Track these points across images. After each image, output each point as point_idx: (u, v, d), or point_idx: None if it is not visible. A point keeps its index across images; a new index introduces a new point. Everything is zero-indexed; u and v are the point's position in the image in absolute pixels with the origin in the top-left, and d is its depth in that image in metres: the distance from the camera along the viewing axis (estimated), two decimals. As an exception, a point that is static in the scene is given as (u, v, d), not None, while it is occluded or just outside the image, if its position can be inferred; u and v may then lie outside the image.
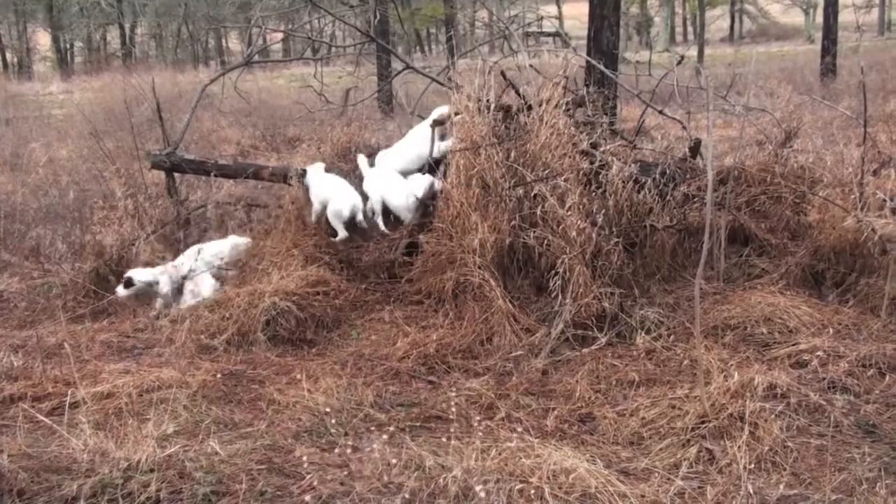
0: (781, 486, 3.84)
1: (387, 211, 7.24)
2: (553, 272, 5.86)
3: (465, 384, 5.12)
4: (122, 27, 50.27)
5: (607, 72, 8.39)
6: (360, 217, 7.17)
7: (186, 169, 8.52)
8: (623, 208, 6.45)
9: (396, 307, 6.33)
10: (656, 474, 4.05)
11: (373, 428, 4.54)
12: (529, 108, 6.70)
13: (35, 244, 8.09)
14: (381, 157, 7.77)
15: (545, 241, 6.02)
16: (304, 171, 7.49)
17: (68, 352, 5.25)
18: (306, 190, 7.38)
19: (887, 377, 4.96)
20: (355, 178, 7.66)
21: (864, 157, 6.83)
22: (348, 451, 4.23)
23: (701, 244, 4.91)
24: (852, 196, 6.42)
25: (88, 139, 10.30)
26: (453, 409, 4.51)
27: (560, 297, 5.79)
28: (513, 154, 6.38)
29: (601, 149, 6.70)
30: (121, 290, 6.65)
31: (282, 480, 3.99)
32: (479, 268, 5.97)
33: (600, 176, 6.49)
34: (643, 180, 6.57)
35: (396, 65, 13.59)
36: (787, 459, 4.14)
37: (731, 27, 53.61)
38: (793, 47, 37.10)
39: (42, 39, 53.54)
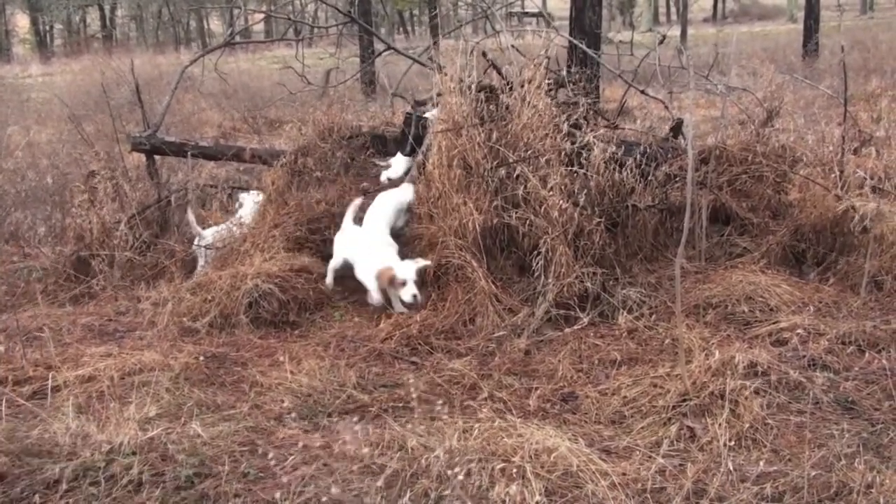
0: (761, 463, 3.87)
1: None
2: (535, 252, 5.87)
3: (448, 365, 5.13)
4: (101, 9, 49.87)
5: (589, 52, 8.40)
6: None
7: (167, 151, 8.48)
8: (605, 188, 6.45)
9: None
10: (638, 452, 4.07)
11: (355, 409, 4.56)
12: (511, 88, 6.69)
13: (14, 228, 8.03)
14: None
15: (527, 222, 6.02)
16: None
17: (48, 335, 5.22)
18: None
19: (866, 354, 5.00)
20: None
21: (845, 135, 6.86)
22: (331, 432, 4.25)
23: (682, 223, 4.91)
24: (833, 175, 6.45)
25: (68, 122, 10.21)
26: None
27: (542, 277, 5.80)
28: (495, 135, 6.37)
29: (583, 129, 6.69)
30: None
31: (264, 462, 3.98)
32: (461, 249, 5.97)
33: (582, 156, 6.49)
34: (625, 160, 6.57)
35: (379, 46, 13.52)
36: (768, 436, 4.17)
37: (714, 7, 53.66)
38: (775, 27, 37.17)
39: (21, 22, 53.00)
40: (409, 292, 5.65)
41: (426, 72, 8.60)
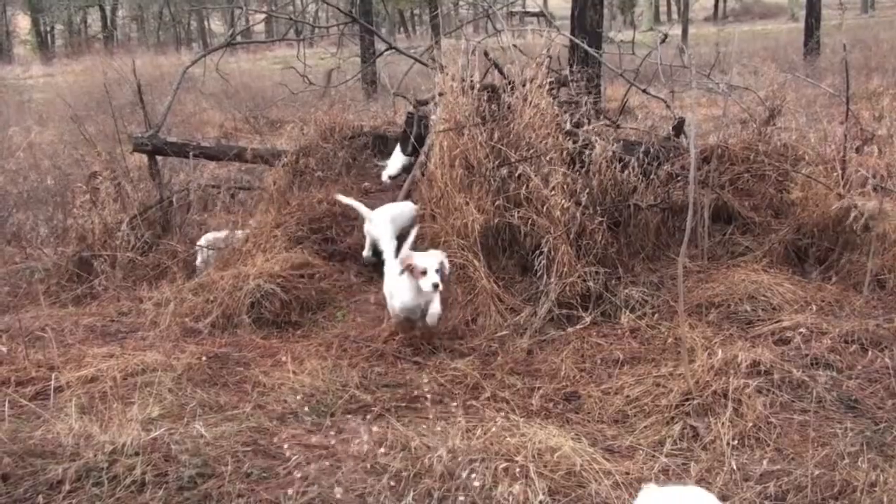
0: (765, 462, 3.86)
1: None
2: (538, 252, 5.87)
3: (451, 364, 5.12)
4: (102, 10, 49.87)
5: (591, 51, 8.39)
6: None
7: (169, 151, 8.48)
8: (607, 187, 6.45)
9: (382, 289, 6.31)
10: (641, 452, 4.08)
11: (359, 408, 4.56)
12: (513, 88, 6.68)
13: (16, 229, 8.02)
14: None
15: (529, 221, 6.02)
16: None
17: (50, 336, 5.21)
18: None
19: (869, 353, 4.99)
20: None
21: (847, 134, 6.84)
22: (334, 432, 4.25)
23: (685, 223, 4.91)
24: (835, 173, 6.44)
25: (70, 123, 10.22)
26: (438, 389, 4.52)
27: (545, 276, 5.80)
28: (496, 134, 6.37)
29: (585, 128, 6.69)
30: None
31: (267, 462, 3.99)
32: (464, 249, 5.96)
33: (584, 155, 6.49)
34: (627, 159, 6.57)
35: (380, 45, 13.51)
36: (771, 435, 4.17)
37: (716, 6, 53.60)
38: (776, 25, 37.14)
39: (22, 23, 53.01)
40: (429, 281, 5.22)
41: (428, 71, 8.59)
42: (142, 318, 6.05)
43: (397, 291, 5.49)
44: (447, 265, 5.35)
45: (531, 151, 6.30)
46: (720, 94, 8.14)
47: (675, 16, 54.44)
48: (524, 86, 6.55)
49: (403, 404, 4.66)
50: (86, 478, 3.77)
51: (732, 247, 6.71)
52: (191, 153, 8.32)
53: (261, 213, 7.04)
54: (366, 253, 6.61)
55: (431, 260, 5.27)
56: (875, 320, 5.40)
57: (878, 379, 4.72)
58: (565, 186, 6.12)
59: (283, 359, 5.20)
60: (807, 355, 4.98)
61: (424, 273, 5.23)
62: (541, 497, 3.58)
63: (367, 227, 6.63)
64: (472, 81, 6.63)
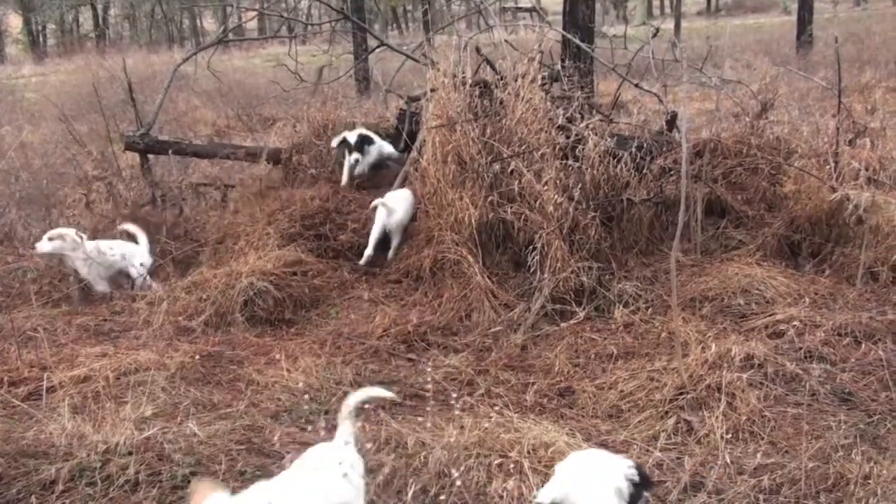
0: (759, 455, 3.87)
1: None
2: (531, 247, 5.87)
3: (445, 361, 5.12)
4: (94, 8, 49.62)
5: (583, 46, 8.37)
6: None
7: (161, 150, 8.44)
8: (600, 182, 6.45)
9: (375, 286, 6.31)
10: (635, 446, 4.08)
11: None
12: (505, 83, 6.67)
13: (8, 229, 7.98)
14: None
15: (522, 217, 6.02)
16: None
17: (42, 336, 5.19)
18: None
19: (863, 345, 5.00)
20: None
21: (840, 127, 6.85)
22: (328, 429, 4.24)
23: (678, 217, 4.92)
24: (828, 166, 6.45)
25: (61, 123, 10.17)
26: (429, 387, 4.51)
27: (538, 272, 5.80)
28: (489, 130, 6.36)
29: (577, 123, 6.68)
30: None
31: (261, 460, 3.99)
32: (457, 244, 5.96)
33: (577, 150, 6.48)
34: (620, 154, 6.56)
35: (372, 42, 13.49)
36: (765, 428, 4.17)
37: (708, 0, 53.56)
38: (769, 19, 37.13)
39: (13, 22, 52.78)
40: None
41: (420, 68, 8.58)
42: (134, 318, 6.02)
43: None
44: None
45: (524, 147, 6.29)
46: (713, 88, 8.14)
47: (667, 10, 54.40)
48: (516, 81, 6.54)
49: (398, 401, 4.65)
50: (79, 478, 3.77)
51: (725, 240, 6.72)
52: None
53: (253, 212, 7.01)
54: (369, 251, 6.56)
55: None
56: (868, 313, 5.41)
57: (871, 371, 4.73)
58: (558, 182, 6.11)
59: (277, 357, 5.19)
60: (800, 348, 4.99)
61: None
62: (535, 492, 3.57)
63: (385, 219, 6.59)
64: (464, 77, 6.62)
